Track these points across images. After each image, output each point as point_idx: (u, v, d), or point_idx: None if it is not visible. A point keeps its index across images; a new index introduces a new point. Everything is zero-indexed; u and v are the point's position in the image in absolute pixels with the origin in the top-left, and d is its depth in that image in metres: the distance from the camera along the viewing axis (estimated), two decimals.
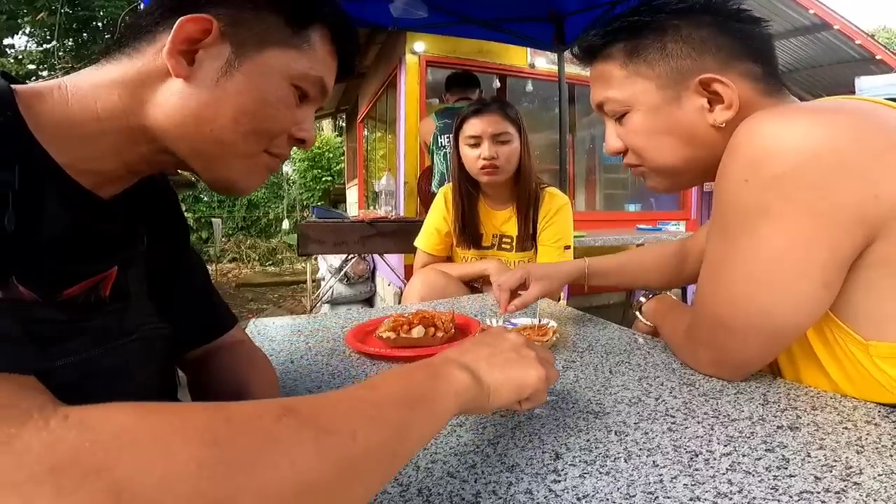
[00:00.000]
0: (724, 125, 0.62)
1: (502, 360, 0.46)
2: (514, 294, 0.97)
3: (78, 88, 0.42)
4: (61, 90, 0.41)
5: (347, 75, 0.54)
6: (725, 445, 0.48)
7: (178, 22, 0.41)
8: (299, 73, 0.47)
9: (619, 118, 0.70)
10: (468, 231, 1.51)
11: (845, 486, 0.41)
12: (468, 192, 1.50)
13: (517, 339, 0.50)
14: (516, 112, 1.46)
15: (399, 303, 1.95)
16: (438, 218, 1.57)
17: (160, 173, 0.56)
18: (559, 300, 1.56)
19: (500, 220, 1.53)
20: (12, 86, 0.39)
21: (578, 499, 0.40)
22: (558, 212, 1.49)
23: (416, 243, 1.62)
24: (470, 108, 1.47)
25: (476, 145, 1.42)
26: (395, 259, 3.37)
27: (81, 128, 0.41)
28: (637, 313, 0.93)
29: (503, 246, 1.53)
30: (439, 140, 2.87)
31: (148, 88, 0.43)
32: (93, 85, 0.42)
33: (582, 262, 1.04)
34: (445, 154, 2.83)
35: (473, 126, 1.42)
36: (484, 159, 1.40)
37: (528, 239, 1.49)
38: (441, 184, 2.84)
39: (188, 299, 0.60)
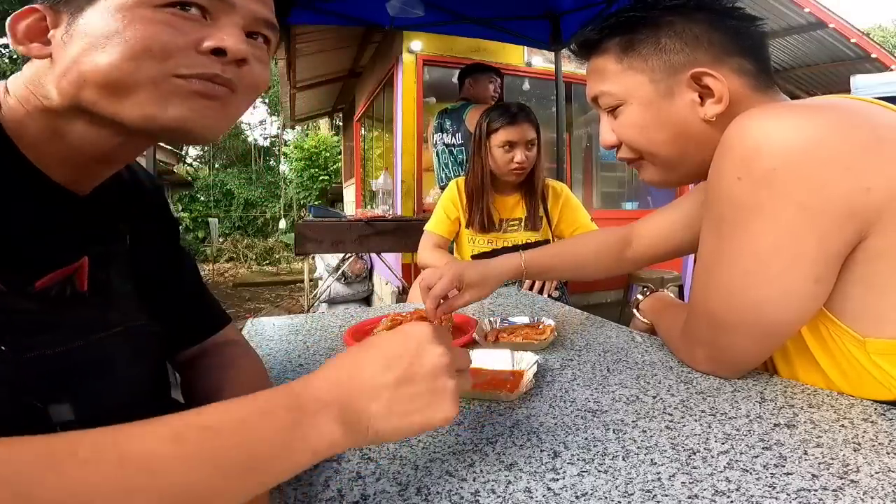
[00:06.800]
0: (714, 119, 0.63)
1: (409, 401, 0.38)
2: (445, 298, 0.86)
3: (13, 87, 0.44)
4: (4, 87, 0.44)
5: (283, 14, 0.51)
6: (723, 443, 0.48)
7: (6, 25, 0.42)
8: None
9: (613, 112, 0.71)
10: (485, 216, 1.72)
11: (842, 484, 0.41)
12: (486, 183, 1.71)
13: (438, 361, 0.39)
14: (536, 118, 1.71)
15: (397, 301, 1.95)
16: (449, 205, 1.77)
17: (154, 174, 0.57)
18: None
19: (508, 206, 1.75)
20: None
21: (577, 497, 0.40)
22: (567, 196, 1.77)
23: (426, 227, 1.79)
24: (501, 114, 1.65)
25: (510, 149, 1.63)
26: (393, 258, 3.37)
27: (29, 121, 0.43)
28: (634, 311, 0.93)
29: (510, 228, 1.75)
30: (433, 138, 2.87)
31: (42, 75, 0.44)
32: (14, 83, 0.44)
33: (517, 257, 0.96)
34: (438, 153, 2.84)
35: (510, 133, 1.63)
36: (518, 163, 1.63)
37: (537, 220, 1.71)
38: (439, 181, 2.86)
39: (178, 298, 0.60)
